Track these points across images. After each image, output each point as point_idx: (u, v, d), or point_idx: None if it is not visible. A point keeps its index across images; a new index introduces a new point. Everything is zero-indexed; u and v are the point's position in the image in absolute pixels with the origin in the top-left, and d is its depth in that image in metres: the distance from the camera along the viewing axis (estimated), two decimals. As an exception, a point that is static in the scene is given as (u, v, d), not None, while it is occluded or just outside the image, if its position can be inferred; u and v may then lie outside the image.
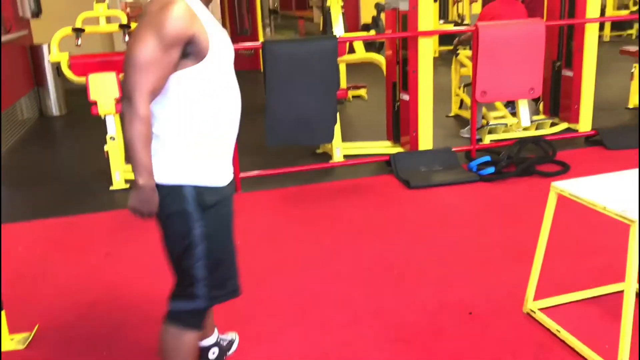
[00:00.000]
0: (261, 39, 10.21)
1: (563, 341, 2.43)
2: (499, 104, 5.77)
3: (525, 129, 5.38)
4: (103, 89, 4.53)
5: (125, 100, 1.70)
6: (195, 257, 1.85)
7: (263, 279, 3.11)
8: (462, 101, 6.40)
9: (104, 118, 4.55)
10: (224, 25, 10.24)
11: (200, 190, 1.81)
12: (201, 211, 1.81)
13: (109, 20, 5.46)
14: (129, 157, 1.73)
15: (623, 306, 2.13)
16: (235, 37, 10.44)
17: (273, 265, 3.28)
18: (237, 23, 10.46)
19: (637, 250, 2.10)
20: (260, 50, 4.19)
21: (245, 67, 10.23)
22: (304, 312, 2.79)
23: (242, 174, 4.53)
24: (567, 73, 5.52)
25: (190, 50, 1.72)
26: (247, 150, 5.25)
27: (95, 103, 4.50)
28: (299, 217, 3.96)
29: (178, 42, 1.68)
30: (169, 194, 1.79)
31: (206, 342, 2.27)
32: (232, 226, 1.97)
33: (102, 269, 3.33)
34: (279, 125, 4.29)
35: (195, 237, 1.83)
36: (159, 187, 1.78)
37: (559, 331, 2.47)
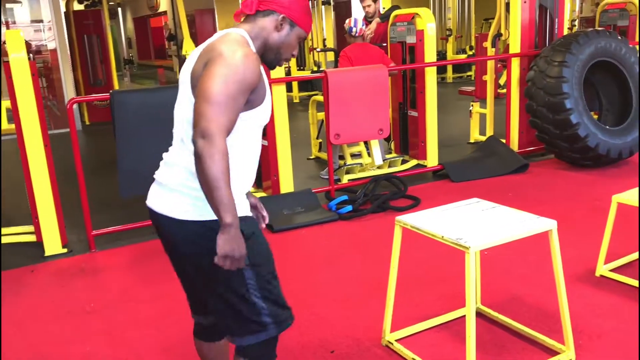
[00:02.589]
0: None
1: (419, 369, 2.54)
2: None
3: (378, 167, 5.67)
4: None
5: (201, 137, 1.64)
6: (255, 287, 1.86)
7: (122, 341, 2.93)
8: (321, 144, 6.61)
9: None
10: (75, 77, 9.87)
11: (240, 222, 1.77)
12: (246, 240, 1.77)
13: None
14: (210, 197, 1.66)
15: (466, 328, 2.27)
16: (88, 89, 10.02)
17: (130, 326, 3.11)
18: (90, 74, 10.06)
19: (473, 276, 2.27)
20: (109, 101, 4.06)
21: (99, 119, 9.81)
22: (164, 372, 2.66)
23: (95, 232, 4.27)
24: (413, 113, 5.93)
25: (250, 97, 1.77)
26: (100, 206, 5.00)
27: None
28: (158, 271, 3.79)
29: (249, 89, 1.74)
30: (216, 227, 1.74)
31: None
32: (271, 252, 1.97)
33: None
34: (133, 176, 4.11)
35: (251, 266, 1.84)
36: (205, 223, 1.78)
37: None
